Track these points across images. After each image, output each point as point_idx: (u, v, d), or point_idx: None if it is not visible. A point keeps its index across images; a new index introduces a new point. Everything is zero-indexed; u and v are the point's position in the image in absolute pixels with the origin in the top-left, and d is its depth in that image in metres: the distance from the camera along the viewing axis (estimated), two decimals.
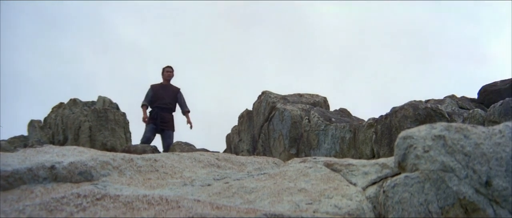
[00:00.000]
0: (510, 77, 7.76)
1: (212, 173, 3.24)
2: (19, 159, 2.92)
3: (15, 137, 12.25)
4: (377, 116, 6.91)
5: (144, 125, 9.37)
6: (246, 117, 10.13)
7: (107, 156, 3.28)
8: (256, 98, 9.97)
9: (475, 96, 8.14)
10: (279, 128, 8.61)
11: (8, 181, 2.63)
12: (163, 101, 9.27)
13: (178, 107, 9.51)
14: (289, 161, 3.66)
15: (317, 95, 9.78)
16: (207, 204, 2.31)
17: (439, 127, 2.61)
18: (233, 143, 10.51)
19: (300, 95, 9.64)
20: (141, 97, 9.45)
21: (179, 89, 9.54)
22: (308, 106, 8.81)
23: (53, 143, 11.49)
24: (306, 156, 7.37)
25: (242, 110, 10.41)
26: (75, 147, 3.63)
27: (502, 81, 7.86)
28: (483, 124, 5.87)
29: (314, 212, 2.31)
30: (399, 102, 7.92)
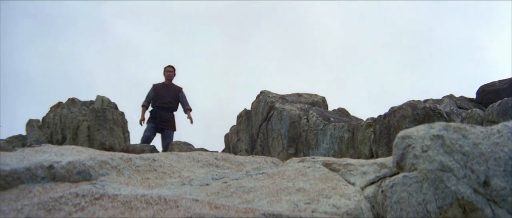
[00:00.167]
0: (508, 77, 7.78)
1: (211, 173, 3.24)
2: (18, 159, 2.92)
3: (13, 137, 12.22)
4: (375, 116, 6.92)
5: (138, 122, 9.38)
6: (244, 117, 10.13)
7: (106, 155, 3.27)
8: (254, 98, 9.98)
9: (474, 96, 8.15)
10: (278, 127, 8.61)
11: (7, 181, 2.62)
12: (164, 100, 9.26)
13: (180, 107, 9.51)
14: (288, 161, 3.66)
15: (316, 95, 9.78)
16: (205, 204, 2.31)
17: (437, 126, 2.61)
18: (232, 143, 10.51)
19: (299, 95, 9.64)
20: (140, 97, 9.47)
21: (181, 88, 9.53)
22: (306, 106, 8.82)
23: (51, 142, 11.48)
24: (304, 155, 7.37)
25: (241, 109, 10.42)
26: (73, 146, 3.62)
27: (500, 81, 7.87)
28: (481, 124, 5.88)
29: (312, 211, 2.31)
30: (398, 102, 7.93)
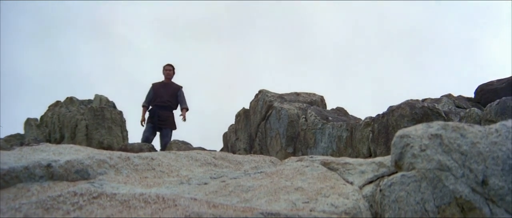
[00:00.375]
0: (506, 76, 7.79)
1: (209, 172, 3.24)
2: (16, 157, 2.92)
3: (11, 135, 12.20)
4: (374, 115, 6.92)
5: (139, 122, 9.38)
6: (243, 116, 10.13)
7: (104, 154, 3.27)
8: (253, 97, 9.97)
9: (472, 95, 8.16)
10: (276, 126, 8.61)
11: (5, 179, 2.62)
12: (162, 99, 9.24)
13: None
14: (286, 160, 3.66)
15: (314, 94, 9.79)
16: (203, 203, 2.31)
17: (435, 126, 2.61)
18: (230, 142, 10.51)
19: (297, 94, 9.65)
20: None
21: (180, 87, 9.50)
22: (305, 105, 8.82)
23: (49, 141, 11.46)
24: (303, 154, 7.37)
25: (239, 108, 10.42)
26: (71, 145, 3.62)
27: (498, 80, 7.88)
28: (479, 123, 5.88)
29: (310, 211, 2.31)
30: (396, 101, 7.94)
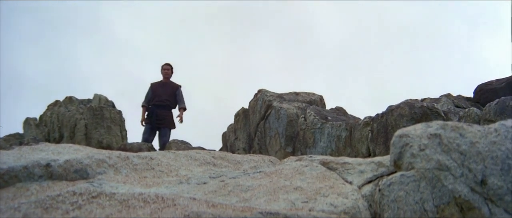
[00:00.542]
0: (505, 76, 7.79)
1: (208, 171, 3.24)
2: (15, 157, 2.91)
3: (10, 135, 12.19)
4: (373, 115, 6.93)
5: (139, 123, 9.37)
6: (242, 115, 10.13)
7: (103, 154, 3.27)
8: (252, 96, 9.97)
9: (471, 95, 8.16)
10: (275, 126, 8.61)
11: (4, 179, 2.62)
12: (160, 98, 9.24)
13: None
14: (285, 159, 3.66)
15: (313, 94, 9.79)
16: (202, 202, 2.31)
17: (435, 125, 2.61)
18: (229, 141, 10.51)
19: (296, 93, 9.65)
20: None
21: (179, 86, 9.50)
22: (304, 104, 8.82)
23: (48, 140, 11.45)
24: (302, 154, 7.37)
25: (238, 108, 10.41)
26: (70, 145, 3.62)
27: (497, 80, 7.88)
28: (478, 123, 5.89)
29: (309, 210, 2.31)
30: (395, 101, 7.95)
